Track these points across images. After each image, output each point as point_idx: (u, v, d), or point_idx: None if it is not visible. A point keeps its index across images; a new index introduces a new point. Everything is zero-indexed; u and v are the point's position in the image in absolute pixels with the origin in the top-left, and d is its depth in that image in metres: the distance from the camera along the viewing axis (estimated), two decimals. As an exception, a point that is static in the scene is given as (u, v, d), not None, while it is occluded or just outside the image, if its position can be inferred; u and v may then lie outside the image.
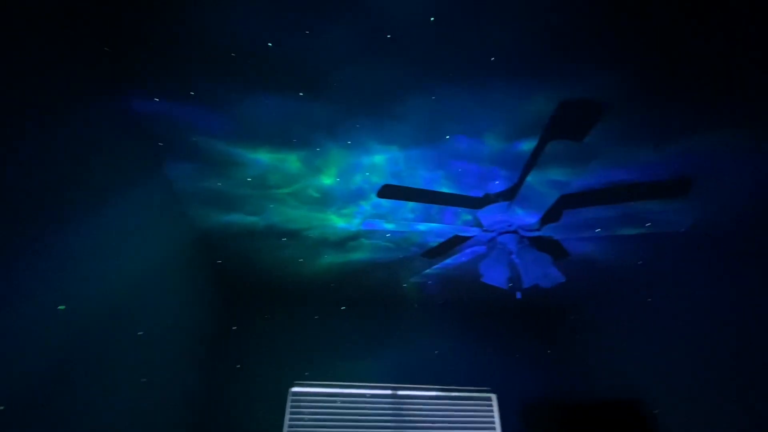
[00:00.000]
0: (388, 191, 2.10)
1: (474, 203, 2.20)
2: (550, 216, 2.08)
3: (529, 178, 1.69)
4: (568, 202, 2.30)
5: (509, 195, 2.00)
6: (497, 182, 2.07)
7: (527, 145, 1.79)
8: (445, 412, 3.77)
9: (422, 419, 3.67)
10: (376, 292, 3.75)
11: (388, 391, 3.72)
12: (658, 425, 2.99)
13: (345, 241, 2.74)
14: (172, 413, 2.46)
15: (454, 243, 2.65)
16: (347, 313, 3.93)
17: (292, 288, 3.62)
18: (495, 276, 1.97)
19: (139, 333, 1.77)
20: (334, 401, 3.44)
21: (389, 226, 2.44)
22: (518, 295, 1.95)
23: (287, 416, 3.28)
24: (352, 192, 2.15)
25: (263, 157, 1.89)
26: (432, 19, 1.26)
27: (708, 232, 2.58)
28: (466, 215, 2.39)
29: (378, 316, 3.99)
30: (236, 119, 1.67)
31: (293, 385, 3.45)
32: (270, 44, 1.36)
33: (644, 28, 1.31)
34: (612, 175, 2.21)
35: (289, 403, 3.35)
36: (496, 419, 3.81)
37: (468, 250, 2.29)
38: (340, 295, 3.81)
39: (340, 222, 2.47)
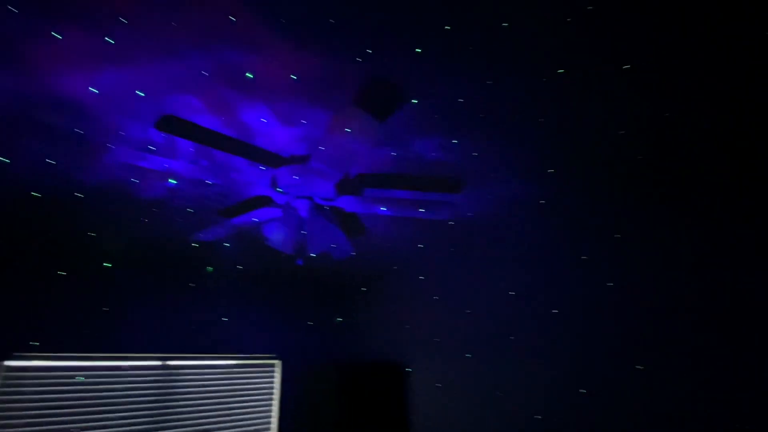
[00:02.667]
0: (168, 124, 1.73)
1: (275, 161, 2.04)
2: (346, 187, 2.11)
3: (326, 145, 1.63)
4: (364, 178, 2.40)
5: (308, 158, 1.92)
6: (302, 143, 1.97)
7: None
8: (225, 381, 3.57)
9: (198, 390, 3.37)
10: (152, 249, 3.19)
11: (157, 362, 3.26)
12: (409, 379, 3.53)
13: (119, 185, 2.18)
14: None
15: (251, 202, 2.44)
16: (112, 271, 3.24)
17: (27, 237, 2.73)
18: (281, 240, 1.88)
19: None
20: (72, 376, 2.78)
21: (171, 172, 2.05)
22: (299, 261, 1.91)
23: (-10, 398, 2.47)
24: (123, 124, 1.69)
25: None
26: None
27: (470, 227, 3.15)
28: (266, 173, 2.21)
29: (153, 277, 3.43)
30: None
31: (10, 358, 2.62)
32: None
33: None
34: (404, 162, 2.41)
35: (-3, 382, 2.54)
36: (276, 385, 3.84)
37: (263, 211, 2.12)
38: (103, 249, 3.09)
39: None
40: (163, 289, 3.45)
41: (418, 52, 1.49)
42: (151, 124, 1.80)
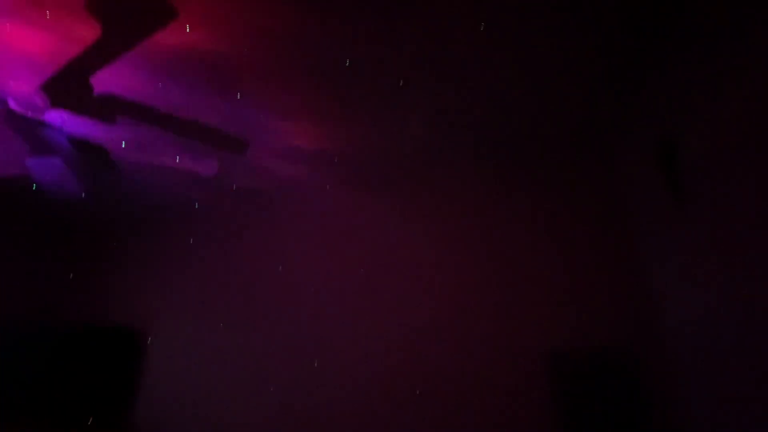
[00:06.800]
0: None
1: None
2: (72, 100, 1.58)
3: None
4: (117, 101, 1.90)
5: None
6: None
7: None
8: None
9: None
10: None
11: None
12: (149, 352, 3.07)
13: None
14: None
15: None
16: None
17: None
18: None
19: None
20: None
21: None
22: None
23: None
24: None
25: None
26: None
27: (255, 197, 2.95)
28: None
29: None
30: None
31: None
32: None
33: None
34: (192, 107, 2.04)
35: None
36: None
37: None
38: None
39: None
40: None
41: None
42: None
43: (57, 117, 1.50)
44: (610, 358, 1.87)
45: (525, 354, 2.07)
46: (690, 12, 1.48)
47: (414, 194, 2.69)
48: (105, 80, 2.00)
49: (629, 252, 2.08)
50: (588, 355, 1.90)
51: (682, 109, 1.61)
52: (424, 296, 2.44)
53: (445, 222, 2.55)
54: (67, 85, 1.44)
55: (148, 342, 3.10)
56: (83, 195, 2.28)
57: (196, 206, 3.19)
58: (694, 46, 1.52)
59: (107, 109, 1.81)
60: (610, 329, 1.97)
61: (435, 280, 2.45)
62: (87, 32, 1.44)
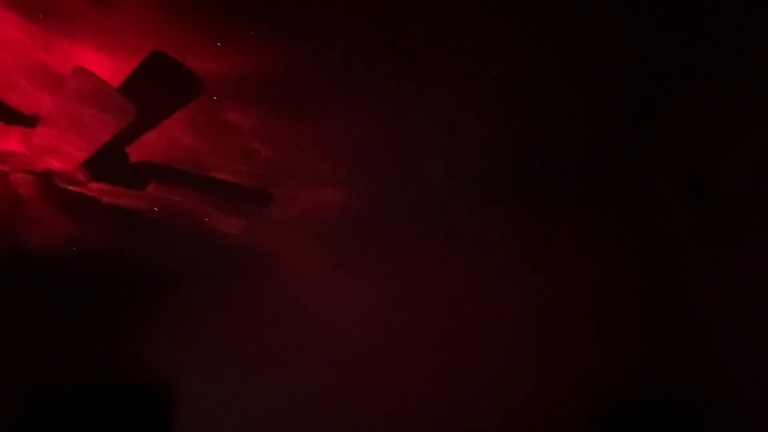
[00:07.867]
0: None
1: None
2: (110, 172, 1.68)
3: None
4: (151, 167, 2.01)
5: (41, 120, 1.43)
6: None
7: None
8: None
9: None
10: None
11: None
12: (181, 413, 3.02)
13: None
14: None
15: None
16: None
17: None
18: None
19: None
20: None
21: None
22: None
23: None
24: None
25: None
26: None
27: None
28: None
29: None
30: None
31: None
32: None
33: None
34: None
35: None
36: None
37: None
38: None
39: None
40: None
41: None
42: None
43: (95, 188, 1.59)
44: (664, 408, 1.71)
45: (571, 408, 1.92)
46: (716, 35, 1.43)
47: (441, 243, 2.63)
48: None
49: (676, 293, 1.95)
50: (640, 407, 1.75)
51: (708, 135, 1.57)
52: (458, 351, 2.33)
53: (476, 272, 2.46)
54: (105, 160, 1.55)
55: (178, 401, 3.06)
56: (116, 256, 2.35)
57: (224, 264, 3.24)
58: (710, 81, 1.50)
59: (140, 176, 1.91)
60: (663, 378, 1.82)
61: (469, 331, 2.35)
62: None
